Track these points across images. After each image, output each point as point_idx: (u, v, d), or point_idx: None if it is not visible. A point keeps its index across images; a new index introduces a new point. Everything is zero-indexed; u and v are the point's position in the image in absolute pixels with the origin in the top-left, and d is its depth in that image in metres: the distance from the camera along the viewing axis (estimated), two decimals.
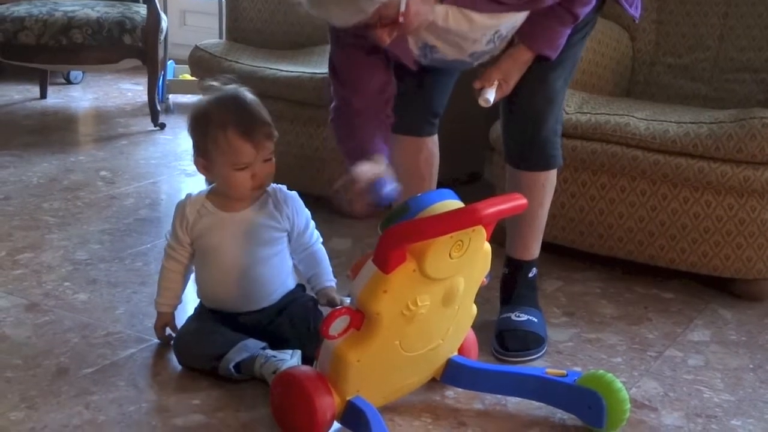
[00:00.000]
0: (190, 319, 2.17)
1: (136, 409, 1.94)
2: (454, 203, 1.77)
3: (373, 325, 1.76)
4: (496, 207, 1.68)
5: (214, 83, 2.13)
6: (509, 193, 1.78)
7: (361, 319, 1.76)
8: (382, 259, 1.71)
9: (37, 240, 2.87)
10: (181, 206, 2.14)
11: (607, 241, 2.70)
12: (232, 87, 2.11)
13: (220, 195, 2.12)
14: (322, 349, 1.84)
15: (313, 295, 2.19)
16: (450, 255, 1.73)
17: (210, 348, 2.05)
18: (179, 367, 2.12)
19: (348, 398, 1.82)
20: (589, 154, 2.64)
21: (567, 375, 1.93)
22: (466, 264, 1.79)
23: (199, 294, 2.20)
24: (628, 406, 1.87)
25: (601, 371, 1.90)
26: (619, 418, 1.87)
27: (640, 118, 2.64)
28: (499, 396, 2.02)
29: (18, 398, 1.96)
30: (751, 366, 2.22)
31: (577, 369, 2.13)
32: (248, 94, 2.09)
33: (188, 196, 2.15)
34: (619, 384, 1.87)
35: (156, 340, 2.22)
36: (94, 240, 2.89)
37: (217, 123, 2.02)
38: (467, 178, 3.41)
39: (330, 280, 2.19)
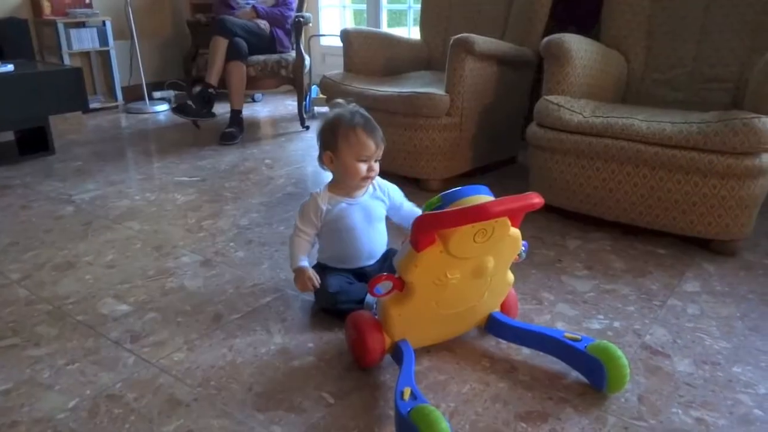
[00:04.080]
0: (327, 276, 1.69)
1: (266, 352, 1.55)
2: (483, 198, 1.30)
3: (410, 289, 1.35)
4: (505, 206, 1.23)
5: (341, 101, 1.70)
6: (525, 194, 1.28)
7: (401, 284, 1.36)
8: (413, 240, 1.31)
9: (217, 210, 2.49)
10: (313, 201, 1.68)
11: (615, 210, 2.14)
12: (353, 104, 1.69)
13: (337, 188, 1.68)
14: (378, 301, 1.42)
15: None
16: (474, 239, 1.29)
17: (355, 295, 1.64)
18: (300, 314, 1.70)
19: (395, 340, 1.42)
20: (602, 148, 2.08)
21: (581, 340, 1.43)
22: (492, 246, 1.34)
23: (327, 260, 1.73)
24: (628, 370, 1.36)
25: (605, 342, 1.38)
26: (621, 382, 1.36)
27: (641, 120, 2.06)
28: None
29: (182, 341, 1.59)
30: (737, 314, 1.67)
31: (596, 326, 1.59)
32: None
33: (313, 193, 1.69)
34: (619, 353, 1.36)
35: (291, 291, 1.75)
36: (254, 210, 2.48)
37: (349, 124, 1.61)
38: (508, 160, 2.86)
39: None
